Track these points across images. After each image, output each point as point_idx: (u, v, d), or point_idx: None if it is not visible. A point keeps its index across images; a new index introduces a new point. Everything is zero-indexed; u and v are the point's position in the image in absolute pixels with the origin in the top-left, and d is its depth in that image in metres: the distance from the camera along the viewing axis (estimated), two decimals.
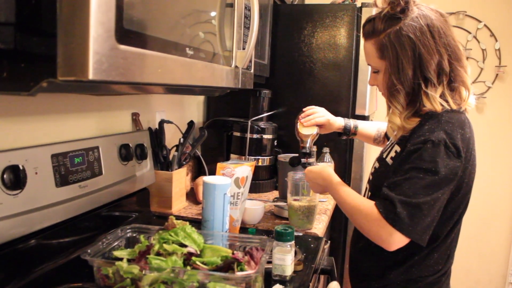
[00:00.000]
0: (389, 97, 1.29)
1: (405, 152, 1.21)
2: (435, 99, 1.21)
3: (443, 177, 1.13)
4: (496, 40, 3.08)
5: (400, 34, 1.20)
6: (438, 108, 1.21)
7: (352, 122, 1.77)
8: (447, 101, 1.22)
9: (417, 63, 1.20)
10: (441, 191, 1.14)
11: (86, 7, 0.64)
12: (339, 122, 1.75)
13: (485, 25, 3.08)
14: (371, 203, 1.20)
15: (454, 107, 1.23)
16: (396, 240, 1.15)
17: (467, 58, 3.08)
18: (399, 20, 1.21)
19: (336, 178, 1.41)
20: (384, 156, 1.36)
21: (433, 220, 1.16)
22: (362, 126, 1.78)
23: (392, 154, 1.31)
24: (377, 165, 1.40)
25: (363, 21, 2.27)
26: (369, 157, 2.54)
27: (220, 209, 1.34)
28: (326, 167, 1.49)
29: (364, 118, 2.36)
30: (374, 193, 1.35)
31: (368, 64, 1.35)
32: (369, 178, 1.44)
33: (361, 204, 1.25)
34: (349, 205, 1.29)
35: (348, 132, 1.76)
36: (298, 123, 1.73)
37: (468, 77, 1.27)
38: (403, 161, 1.20)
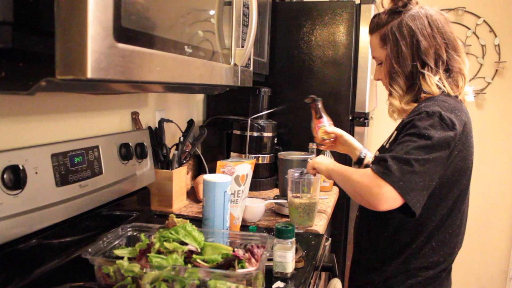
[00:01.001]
0: (389, 82, 1.36)
1: (401, 125, 1.26)
2: (432, 82, 1.27)
3: (436, 143, 1.14)
4: (496, 36, 3.08)
5: (401, 24, 1.30)
6: (436, 91, 1.27)
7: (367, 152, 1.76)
8: (444, 86, 1.28)
9: (415, 48, 1.29)
10: (432, 155, 1.14)
11: (84, 6, 0.64)
12: (356, 144, 1.76)
13: (484, 21, 3.08)
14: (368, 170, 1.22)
15: (451, 92, 1.28)
16: (387, 195, 1.13)
17: (467, 53, 3.10)
18: (400, 14, 1.32)
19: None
20: (384, 144, 1.39)
21: (425, 187, 1.15)
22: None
23: (391, 140, 1.34)
24: (377, 153, 1.42)
25: (362, 18, 2.28)
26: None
27: (221, 207, 1.34)
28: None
29: (364, 115, 2.36)
30: None
31: (373, 58, 1.43)
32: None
33: (357, 170, 1.30)
34: (346, 171, 1.33)
35: (361, 161, 1.73)
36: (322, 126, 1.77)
37: (465, 68, 1.32)
38: (399, 134, 1.25)
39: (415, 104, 1.30)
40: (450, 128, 1.17)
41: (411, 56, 1.30)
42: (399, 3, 1.33)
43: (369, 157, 1.70)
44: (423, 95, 1.29)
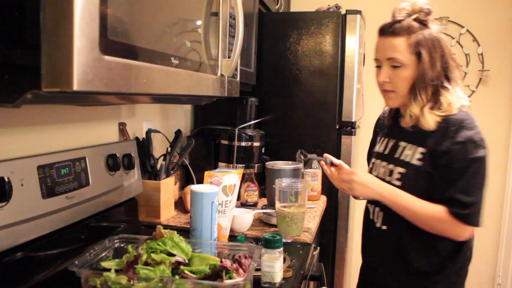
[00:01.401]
0: (416, 89, 1.41)
1: (432, 152, 1.39)
2: (452, 99, 1.40)
3: (482, 166, 1.35)
4: (479, 45, 3.12)
5: (432, 36, 1.40)
6: (452, 108, 1.39)
7: None
8: (460, 97, 1.43)
9: (443, 62, 1.40)
10: (484, 175, 1.37)
11: (70, 19, 0.64)
12: None
13: (467, 30, 3.13)
14: (440, 207, 1.37)
15: (466, 104, 1.44)
16: (470, 233, 1.44)
17: None
18: (426, 26, 1.41)
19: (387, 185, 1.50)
20: (405, 159, 1.47)
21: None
22: None
23: (418, 155, 1.42)
24: (401, 170, 1.47)
25: (348, 28, 2.30)
26: (357, 162, 2.56)
27: (208, 217, 1.34)
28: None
29: (351, 124, 2.38)
30: None
31: (390, 59, 1.42)
32: (393, 184, 1.49)
33: (427, 208, 1.39)
34: (424, 214, 1.40)
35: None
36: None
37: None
38: (438, 163, 1.38)
39: (435, 117, 1.39)
40: (483, 146, 1.35)
41: (440, 68, 1.39)
42: (425, 16, 1.41)
43: None
44: (442, 106, 1.39)
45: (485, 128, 3.24)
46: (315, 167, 2.21)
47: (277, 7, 2.74)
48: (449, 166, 1.35)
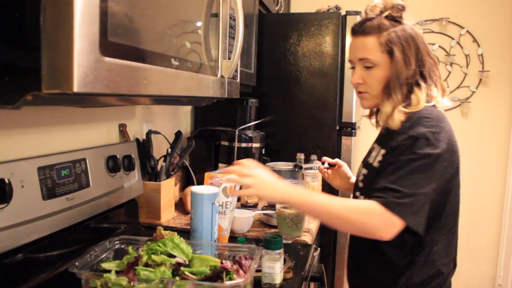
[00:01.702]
0: (391, 89, 1.33)
1: (388, 147, 1.29)
2: (422, 96, 1.30)
3: (427, 162, 1.20)
4: (479, 46, 3.12)
5: (405, 33, 1.31)
6: (421, 106, 1.29)
7: None
8: (431, 97, 1.32)
9: (418, 60, 1.32)
10: (426, 173, 1.20)
11: (70, 20, 0.64)
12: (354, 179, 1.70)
13: (467, 31, 3.13)
14: (366, 201, 1.22)
15: (436, 103, 1.33)
16: (398, 228, 1.17)
17: (451, 63, 3.15)
18: (399, 23, 1.33)
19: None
20: (370, 161, 1.40)
21: (424, 206, 1.20)
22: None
23: (379, 158, 1.33)
24: (365, 171, 1.42)
25: (348, 29, 2.30)
26: (357, 163, 2.56)
27: (209, 218, 1.34)
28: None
29: (351, 125, 2.38)
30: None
31: (361, 60, 1.35)
32: (359, 186, 1.44)
33: (349, 205, 1.23)
34: (341, 207, 1.23)
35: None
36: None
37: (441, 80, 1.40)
38: (388, 154, 1.29)
39: (402, 116, 1.29)
40: (437, 146, 1.21)
41: (415, 66, 1.31)
42: (398, 13, 1.33)
43: None
44: (407, 108, 1.29)
45: (485, 129, 3.24)
46: (315, 168, 2.21)
47: (277, 8, 2.74)
48: (395, 159, 1.23)
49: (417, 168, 1.19)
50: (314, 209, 1.27)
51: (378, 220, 1.17)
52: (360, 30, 1.36)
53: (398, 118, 1.29)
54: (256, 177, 1.28)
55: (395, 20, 1.33)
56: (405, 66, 1.30)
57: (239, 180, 1.30)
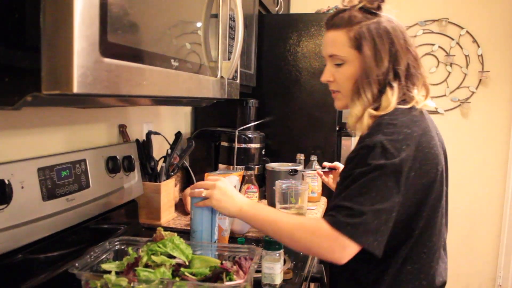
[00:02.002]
0: (359, 88, 1.21)
1: (347, 161, 1.17)
2: (392, 98, 1.17)
3: (381, 174, 1.06)
4: (479, 46, 3.12)
5: (379, 27, 1.19)
6: (390, 109, 1.16)
7: None
8: (410, 98, 1.20)
9: (392, 57, 1.19)
10: (379, 187, 1.06)
11: (70, 21, 0.64)
12: None
13: (467, 32, 3.13)
14: (315, 218, 1.11)
15: (416, 104, 1.20)
16: (351, 252, 1.05)
17: (451, 64, 3.15)
18: (375, 15, 1.21)
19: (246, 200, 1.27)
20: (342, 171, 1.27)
21: (382, 223, 1.05)
22: None
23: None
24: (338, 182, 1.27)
25: None
26: None
27: (209, 219, 1.33)
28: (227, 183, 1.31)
29: None
30: None
31: (331, 56, 1.25)
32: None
33: (302, 221, 1.15)
34: (286, 223, 1.14)
35: None
36: None
37: (426, 78, 1.27)
38: (345, 173, 1.15)
39: (372, 115, 1.18)
40: (395, 155, 1.07)
41: (387, 62, 1.19)
42: (374, 3, 1.21)
43: None
44: (377, 111, 1.18)
45: (485, 129, 3.24)
46: (311, 173, 2.21)
47: (277, 8, 2.74)
48: (350, 172, 1.11)
49: (371, 182, 1.05)
50: (263, 225, 1.18)
51: (325, 241, 1.06)
52: (330, 23, 1.26)
53: (366, 122, 1.18)
54: (217, 189, 1.25)
55: (370, 12, 1.21)
56: (375, 63, 1.18)
57: (200, 193, 1.26)
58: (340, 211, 1.05)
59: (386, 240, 1.06)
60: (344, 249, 1.03)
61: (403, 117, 1.15)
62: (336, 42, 1.23)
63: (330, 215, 1.06)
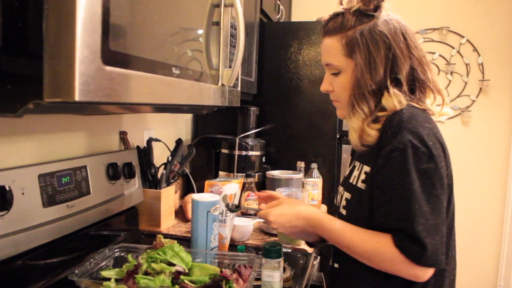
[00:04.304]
0: (355, 99, 1.15)
1: (374, 168, 1.11)
2: (396, 97, 1.10)
3: (435, 179, 1.03)
4: (479, 55, 3.13)
5: (374, 32, 1.11)
6: (396, 105, 1.09)
7: None
8: (409, 99, 1.13)
9: (389, 64, 1.11)
10: (435, 194, 1.04)
11: (72, 29, 0.65)
12: None
13: (467, 40, 3.14)
14: (386, 241, 1.05)
15: (414, 104, 1.13)
16: (428, 275, 1.04)
17: (451, 72, 3.15)
18: (372, 18, 1.12)
19: (323, 215, 1.21)
20: (353, 182, 1.20)
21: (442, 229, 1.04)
22: None
23: (363, 176, 1.15)
24: (348, 195, 1.21)
25: None
26: None
27: (209, 226, 1.34)
28: (301, 205, 1.27)
29: None
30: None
31: (327, 65, 1.21)
32: (341, 213, 1.24)
33: (377, 247, 1.08)
34: (361, 249, 1.11)
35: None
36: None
37: (439, 83, 1.19)
38: (379, 182, 1.09)
39: (377, 126, 1.11)
40: (427, 154, 1.03)
41: (383, 70, 1.11)
42: (370, 5, 1.12)
43: None
44: (383, 111, 1.11)
45: (485, 138, 3.24)
46: (315, 177, 2.21)
47: (278, 16, 2.75)
48: (389, 184, 1.05)
49: (422, 195, 1.01)
50: (335, 242, 1.18)
51: (405, 272, 1.04)
52: (324, 29, 1.20)
53: (371, 131, 1.11)
54: (275, 222, 1.22)
55: (366, 15, 1.12)
56: (368, 72, 1.11)
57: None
58: (409, 239, 1.01)
59: None
60: (425, 273, 1.03)
61: (417, 111, 1.10)
62: (330, 50, 1.18)
63: (401, 246, 1.02)
